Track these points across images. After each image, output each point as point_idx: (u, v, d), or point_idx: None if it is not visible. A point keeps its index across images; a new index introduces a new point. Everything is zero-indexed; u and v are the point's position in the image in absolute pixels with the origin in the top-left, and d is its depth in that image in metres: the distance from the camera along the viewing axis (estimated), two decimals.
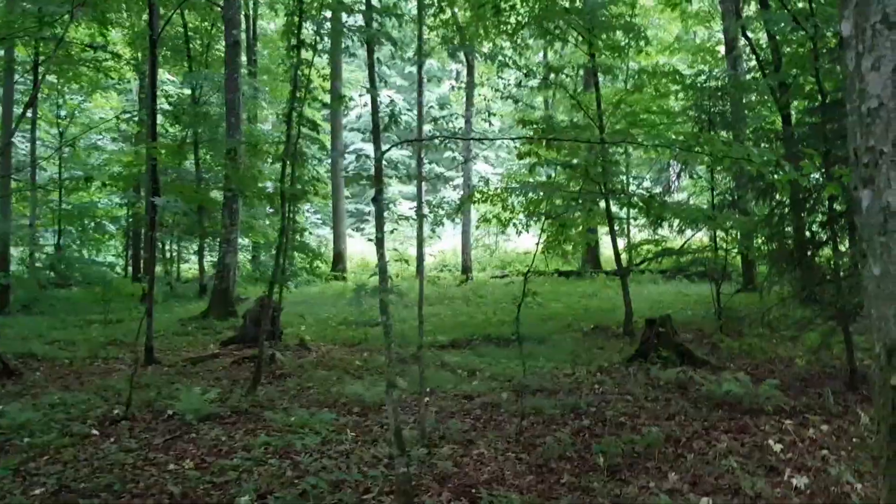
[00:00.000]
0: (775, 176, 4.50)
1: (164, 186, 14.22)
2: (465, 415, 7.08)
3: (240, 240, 19.28)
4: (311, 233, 25.29)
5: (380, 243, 4.47)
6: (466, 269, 23.79)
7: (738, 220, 10.54)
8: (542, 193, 10.43)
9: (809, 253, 8.87)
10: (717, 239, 12.90)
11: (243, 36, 21.44)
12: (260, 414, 7.13)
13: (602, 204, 12.47)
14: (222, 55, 18.27)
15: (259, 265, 24.27)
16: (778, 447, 5.65)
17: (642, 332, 9.86)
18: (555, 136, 7.03)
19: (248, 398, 7.67)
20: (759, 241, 13.30)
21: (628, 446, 5.77)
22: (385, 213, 5.04)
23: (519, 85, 12.04)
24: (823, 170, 8.31)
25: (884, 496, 2.22)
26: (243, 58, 21.27)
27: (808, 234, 8.78)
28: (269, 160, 16.41)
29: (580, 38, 11.51)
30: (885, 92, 2.13)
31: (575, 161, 10.74)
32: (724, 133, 13.55)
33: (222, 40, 18.43)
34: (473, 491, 4.99)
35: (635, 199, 10.30)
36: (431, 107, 35.69)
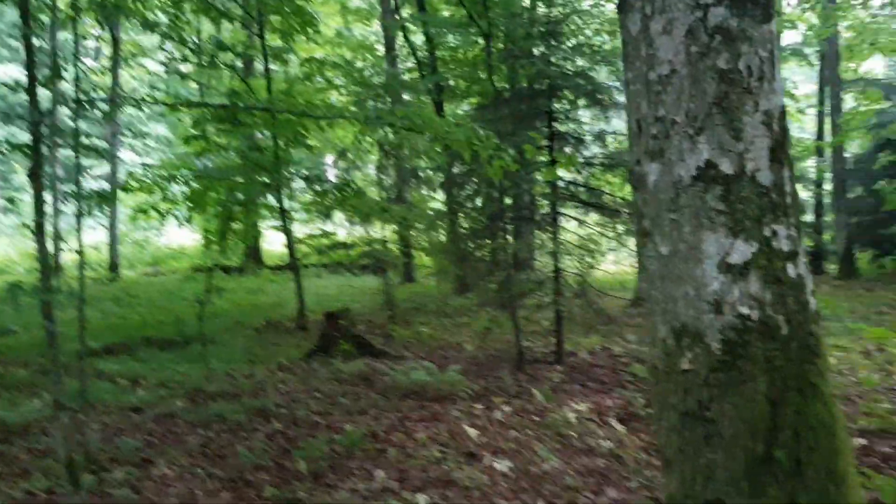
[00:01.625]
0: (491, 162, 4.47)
1: None
2: (137, 430, 6.15)
3: None
4: None
5: (40, 229, 3.53)
6: (114, 266, 21.58)
7: (416, 214, 10.78)
8: (211, 182, 9.61)
9: (480, 243, 9.33)
10: (386, 232, 13.15)
11: None
12: None
13: (270, 196, 11.95)
14: None
15: None
16: (473, 432, 5.73)
17: (321, 325, 9.60)
18: (247, 106, 6.40)
19: None
20: (423, 235, 13.87)
21: (328, 447, 5.42)
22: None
23: (185, 60, 10.98)
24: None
25: (672, 487, 2.12)
26: None
27: (481, 224, 9.20)
28: None
29: (250, 17, 10.86)
30: (679, 57, 2.02)
31: (247, 148, 10.09)
32: (385, 129, 13.87)
33: None
34: None
35: (328, 186, 9.94)
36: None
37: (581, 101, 8.83)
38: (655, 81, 2.07)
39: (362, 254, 13.44)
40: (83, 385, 5.35)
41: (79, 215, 5.73)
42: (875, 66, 25.69)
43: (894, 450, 4.65)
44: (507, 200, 9.22)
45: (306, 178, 9.80)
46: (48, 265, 3.59)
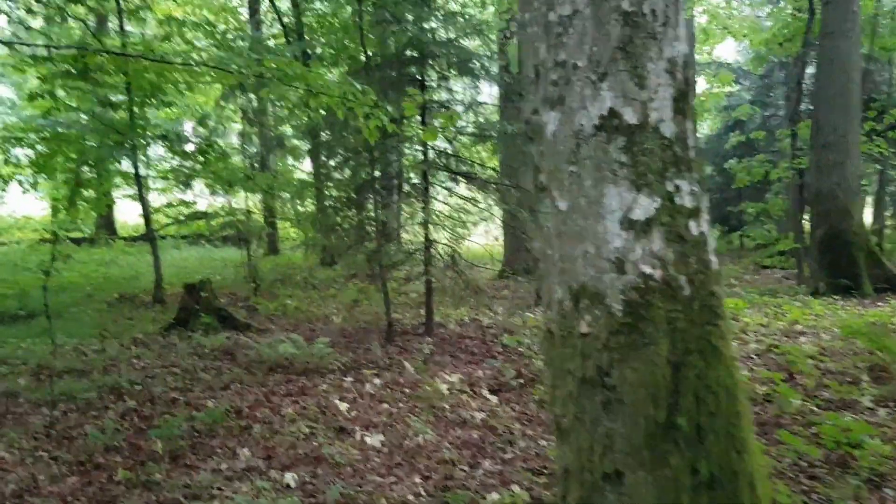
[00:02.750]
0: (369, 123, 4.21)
1: None
2: None
3: None
4: None
5: None
6: None
7: (281, 182, 10.33)
8: (59, 144, 8.82)
9: (348, 214, 9.05)
10: (250, 203, 12.61)
11: None
12: None
13: (126, 163, 11.14)
14: None
15: None
16: (343, 406, 5.51)
17: (181, 298, 9.05)
18: (101, 50, 5.79)
19: None
20: (289, 204, 13.42)
21: (188, 425, 5.06)
22: None
23: (30, 11, 9.94)
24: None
25: (568, 459, 1.99)
26: None
27: (350, 194, 8.93)
28: None
29: None
30: None
31: (98, 109, 9.31)
32: (249, 95, 13.24)
33: None
34: None
35: (190, 148, 9.26)
36: None
37: (453, 71, 8.69)
38: (556, 23, 1.90)
39: (224, 224, 12.84)
40: None
41: None
42: (727, 50, 27.16)
43: (755, 415, 4.83)
44: (377, 173, 9.00)
45: (164, 137, 9.10)
46: None
